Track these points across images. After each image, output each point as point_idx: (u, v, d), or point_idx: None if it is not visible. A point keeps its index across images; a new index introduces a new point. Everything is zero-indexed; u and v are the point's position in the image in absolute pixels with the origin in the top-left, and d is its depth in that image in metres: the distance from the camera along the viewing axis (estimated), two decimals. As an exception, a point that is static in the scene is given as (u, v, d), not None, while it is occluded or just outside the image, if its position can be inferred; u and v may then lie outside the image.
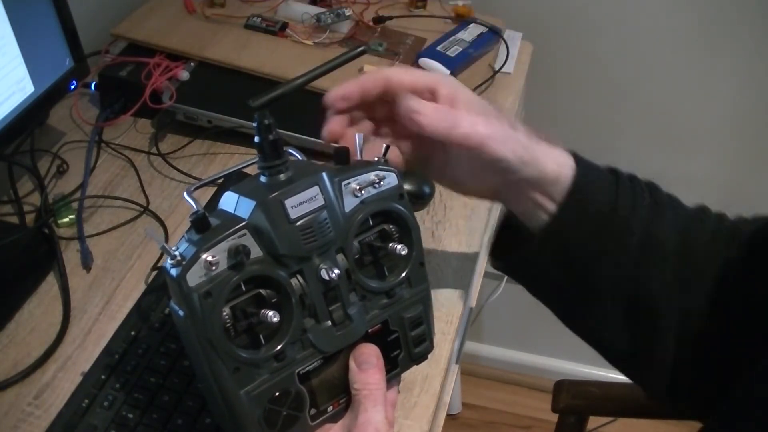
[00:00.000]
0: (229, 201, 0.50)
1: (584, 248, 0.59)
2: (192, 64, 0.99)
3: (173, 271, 0.47)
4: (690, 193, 1.60)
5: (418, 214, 0.88)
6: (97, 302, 0.75)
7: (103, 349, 0.66)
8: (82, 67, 0.88)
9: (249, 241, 0.48)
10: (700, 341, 0.58)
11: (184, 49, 1.00)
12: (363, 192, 0.52)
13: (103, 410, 0.61)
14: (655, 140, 1.48)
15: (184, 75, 0.97)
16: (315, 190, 0.49)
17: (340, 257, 0.51)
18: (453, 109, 0.56)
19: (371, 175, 0.52)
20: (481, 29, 1.13)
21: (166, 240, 0.81)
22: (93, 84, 0.97)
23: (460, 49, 1.07)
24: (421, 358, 0.57)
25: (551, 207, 0.59)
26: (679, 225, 0.60)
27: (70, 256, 0.79)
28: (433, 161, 0.62)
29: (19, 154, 0.87)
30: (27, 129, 0.85)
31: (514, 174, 0.57)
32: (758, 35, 1.30)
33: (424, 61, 1.04)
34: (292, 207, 0.48)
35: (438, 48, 1.06)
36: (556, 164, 0.59)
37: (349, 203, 0.51)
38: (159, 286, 0.72)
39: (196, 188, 0.53)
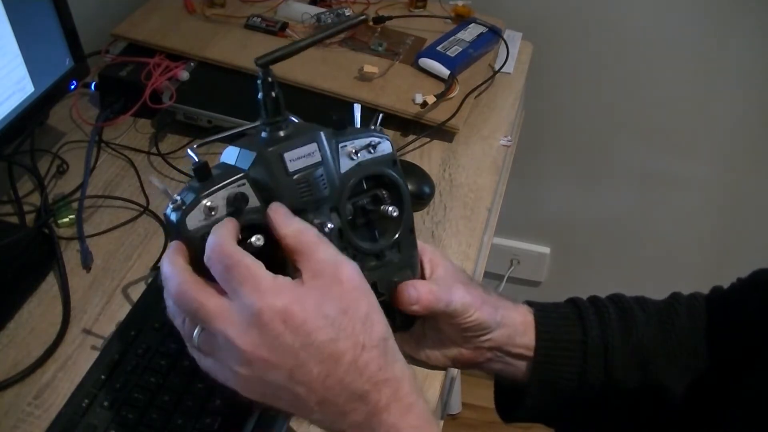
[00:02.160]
0: (230, 154, 0.52)
1: (571, 375, 0.63)
2: (192, 64, 0.99)
3: (173, 216, 0.48)
4: (690, 194, 1.61)
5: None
6: (97, 302, 0.75)
7: (103, 349, 0.66)
8: (82, 67, 0.88)
9: (248, 190, 0.49)
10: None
11: (184, 49, 1.00)
12: (358, 155, 0.53)
13: (103, 410, 0.61)
14: (655, 140, 1.48)
15: (184, 75, 0.97)
16: (313, 147, 0.50)
17: (333, 216, 0.53)
18: (435, 276, 0.59)
19: (366, 140, 0.54)
20: (481, 29, 1.13)
21: (165, 241, 0.81)
22: (93, 84, 0.97)
23: (460, 49, 1.07)
24: (408, 324, 0.59)
25: (528, 353, 0.63)
26: (654, 319, 0.64)
27: (70, 256, 0.79)
28: (413, 335, 0.65)
29: (19, 154, 0.87)
30: (27, 129, 0.85)
31: (489, 334, 0.61)
32: (758, 35, 1.30)
33: (424, 61, 1.04)
34: (290, 160, 0.50)
35: (438, 48, 1.06)
36: (521, 315, 0.63)
37: (345, 164, 0.53)
38: (159, 286, 0.72)
39: (200, 145, 0.55)
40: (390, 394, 0.46)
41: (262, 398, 0.46)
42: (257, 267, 0.45)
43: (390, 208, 0.55)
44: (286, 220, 0.48)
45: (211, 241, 0.46)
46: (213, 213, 0.48)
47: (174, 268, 0.47)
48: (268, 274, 0.45)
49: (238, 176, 0.49)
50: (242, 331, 0.44)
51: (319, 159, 0.51)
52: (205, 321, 0.45)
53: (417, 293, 0.56)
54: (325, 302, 0.45)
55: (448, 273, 0.61)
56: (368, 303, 0.47)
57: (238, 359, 0.44)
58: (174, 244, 0.48)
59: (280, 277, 0.45)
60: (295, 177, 0.50)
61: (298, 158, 0.50)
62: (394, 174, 0.55)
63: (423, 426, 0.46)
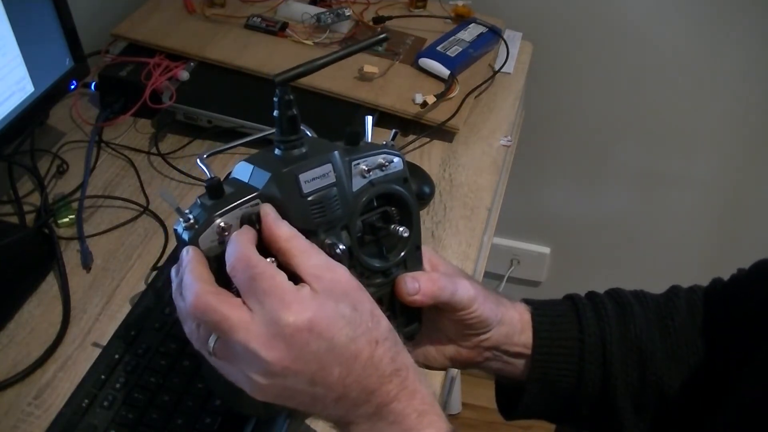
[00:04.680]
0: (242, 171, 0.51)
1: (570, 373, 0.63)
2: (192, 64, 0.99)
3: (185, 234, 0.48)
4: (690, 193, 1.60)
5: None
6: (97, 302, 0.75)
7: (103, 348, 0.66)
8: (82, 67, 0.88)
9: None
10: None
11: (184, 49, 1.00)
12: (371, 173, 0.53)
13: (103, 410, 0.61)
14: (655, 140, 1.48)
15: (184, 75, 0.97)
16: (328, 167, 0.50)
17: (343, 234, 0.53)
18: (436, 272, 0.59)
19: (379, 158, 0.54)
20: (481, 29, 1.13)
21: (165, 241, 0.81)
22: (93, 84, 0.98)
23: (460, 49, 1.07)
24: (410, 337, 0.59)
25: (527, 352, 0.63)
26: (652, 315, 0.64)
27: (70, 256, 0.79)
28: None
29: (19, 154, 0.87)
30: (27, 129, 0.85)
31: (489, 332, 0.61)
32: (759, 35, 1.30)
33: (424, 61, 1.04)
34: (305, 182, 0.49)
35: (438, 48, 1.06)
36: (518, 313, 0.63)
37: (357, 183, 0.53)
38: (159, 287, 0.72)
39: (210, 155, 0.54)
40: (399, 383, 0.47)
41: (275, 400, 0.46)
42: (282, 278, 0.45)
43: (401, 229, 0.55)
44: (276, 223, 0.48)
45: (234, 250, 0.46)
46: (226, 233, 0.48)
47: (194, 275, 0.46)
48: (291, 285, 0.45)
49: (252, 195, 0.49)
50: (267, 343, 0.44)
51: (334, 180, 0.50)
52: (227, 332, 0.45)
53: (417, 283, 0.56)
54: (338, 303, 0.46)
55: (449, 269, 0.61)
56: (368, 299, 0.48)
57: (260, 369, 0.45)
58: (192, 251, 0.47)
59: (302, 287, 0.46)
60: (309, 198, 0.49)
61: (313, 179, 0.50)
62: (405, 192, 0.55)
63: (427, 409, 0.47)
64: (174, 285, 0.49)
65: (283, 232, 0.48)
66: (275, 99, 0.49)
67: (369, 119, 0.57)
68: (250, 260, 0.45)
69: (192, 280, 0.46)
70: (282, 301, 0.44)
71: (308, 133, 0.55)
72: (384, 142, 0.55)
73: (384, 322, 0.48)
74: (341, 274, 0.47)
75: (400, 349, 0.48)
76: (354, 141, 0.54)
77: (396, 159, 0.55)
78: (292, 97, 0.49)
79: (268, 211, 0.48)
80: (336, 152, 0.51)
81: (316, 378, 0.45)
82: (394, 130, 0.59)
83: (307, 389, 0.45)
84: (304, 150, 0.51)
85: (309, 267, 0.47)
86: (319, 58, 0.50)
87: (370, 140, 0.56)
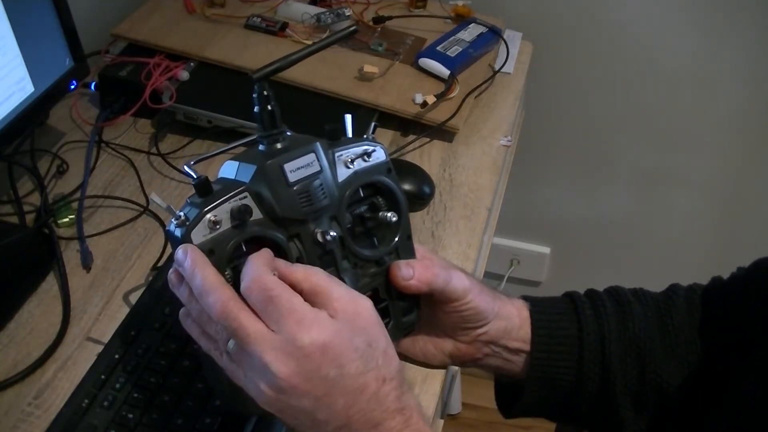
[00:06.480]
0: (229, 169, 0.52)
1: (569, 370, 0.63)
2: (192, 64, 0.99)
3: (177, 231, 0.49)
4: (690, 193, 1.60)
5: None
6: (97, 302, 0.75)
7: (103, 348, 0.66)
8: (82, 67, 0.88)
9: (250, 203, 0.50)
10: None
11: (184, 49, 1.00)
12: (354, 164, 0.55)
13: (103, 410, 0.61)
14: (655, 140, 1.48)
15: (184, 75, 0.97)
16: (311, 157, 0.52)
17: (334, 224, 0.54)
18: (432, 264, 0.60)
19: (361, 149, 0.55)
20: (481, 29, 1.13)
21: (165, 241, 0.81)
22: (93, 84, 0.98)
23: (460, 49, 1.07)
24: (409, 327, 0.60)
25: (526, 348, 0.63)
26: (651, 312, 0.65)
27: (70, 256, 0.79)
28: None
29: (19, 154, 0.87)
30: (27, 129, 0.85)
31: (486, 325, 0.62)
32: (759, 34, 1.30)
33: (424, 61, 1.04)
34: (290, 171, 0.51)
35: (438, 48, 1.06)
36: (516, 309, 0.64)
37: (342, 173, 0.54)
38: (159, 286, 0.72)
39: (197, 161, 0.55)
40: (402, 421, 0.48)
41: (279, 414, 0.48)
42: (299, 300, 0.47)
43: (389, 214, 0.56)
44: (289, 268, 0.49)
45: (250, 272, 0.47)
46: (217, 227, 0.49)
47: (214, 282, 0.48)
48: (309, 308, 0.47)
49: (240, 189, 0.50)
50: (280, 359, 0.45)
51: (318, 169, 0.52)
52: (243, 341, 0.46)
53: (411, 269, 0.57)
54: (354, 336, 0.47)
55: (443, 262, 0.61)
56: (385, 337, 0.49)
57: (270, 383, 0.46)
58: (197, 253, 0.48)
59: (320, 311, 0.47)
60: (295, 188, 0.51)
61: (298, 169, 0.51)
62: (390, 181, 0.56)
63: None
64: (181, 290, 0.50)
65: (299, 274, 0.49)
66: (254, 95, 0.51)
67: (348, 117, 0.58)
68: (266, 283, 0.47)
69: (211, 286, 0.47)
70: (300, 323, 0.46)
71: (288, 133, 0.56)
72: (365, 136, 0.56)
73: (394, 363, 0.49)
74: (364, 307, 0.49)
75: (406, 390, 0.49)
76: (334, 137, 0.55)
77: (378, 149, 0.56)
78: (270, 92, 0.51)
79: (280, 264, 0.49)
80: (318, 142, 0.52)
81: (320, 403, 0.46)
82: (373, 123, 0.60)
83: (309, 412, 0.46)
84: (286, 143, 0.52)
85: (333, 300, 0.48)
86: (293, 53, 0.52)
87: (350, 136, 0.57)
